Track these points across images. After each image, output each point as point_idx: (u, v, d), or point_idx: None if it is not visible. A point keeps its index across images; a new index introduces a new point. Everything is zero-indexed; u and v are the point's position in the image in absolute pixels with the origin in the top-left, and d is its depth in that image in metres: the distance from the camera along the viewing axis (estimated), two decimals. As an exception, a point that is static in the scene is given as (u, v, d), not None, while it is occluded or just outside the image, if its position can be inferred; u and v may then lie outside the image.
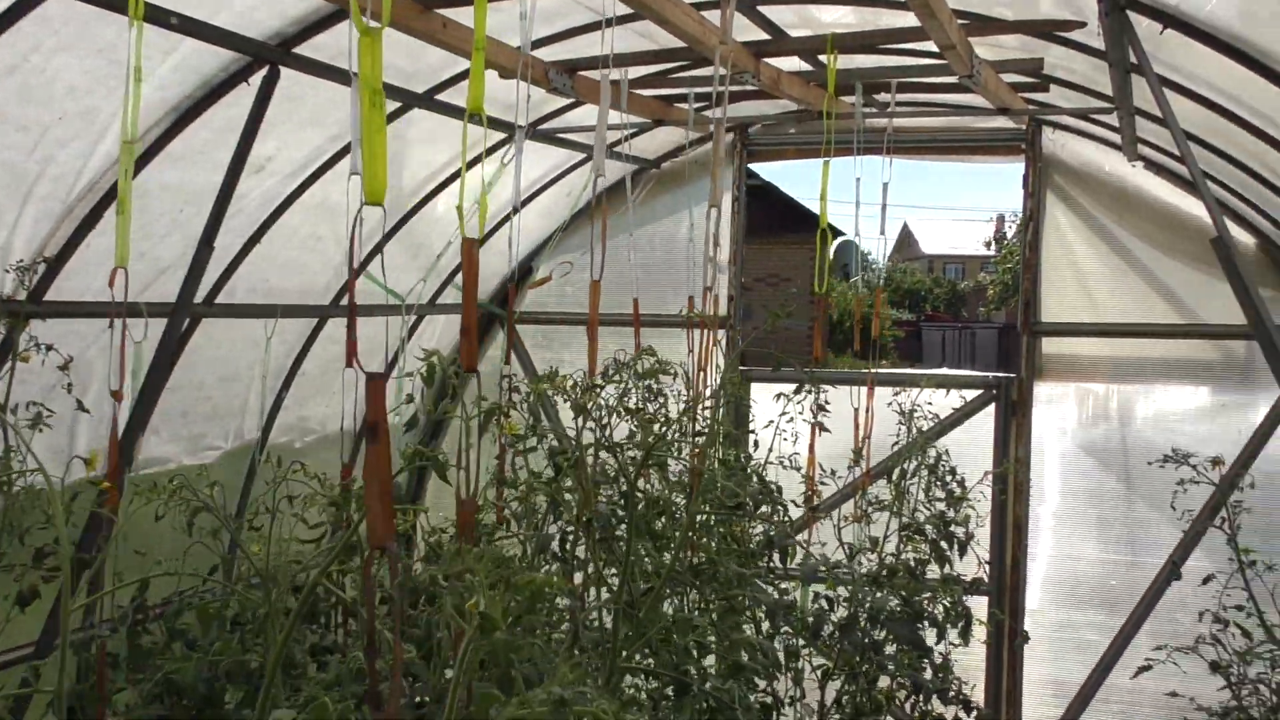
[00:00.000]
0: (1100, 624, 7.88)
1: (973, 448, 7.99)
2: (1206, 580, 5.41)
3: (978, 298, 45.36)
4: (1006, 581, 7.81)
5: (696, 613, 5.52)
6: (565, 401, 3.67)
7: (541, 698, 1.82)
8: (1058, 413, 8.17)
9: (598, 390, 3.58)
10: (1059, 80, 6.76)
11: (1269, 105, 5.31)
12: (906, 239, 62.58)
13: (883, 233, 6.46)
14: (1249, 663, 5.46)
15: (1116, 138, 7.09)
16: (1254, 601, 5.16)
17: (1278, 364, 3.87)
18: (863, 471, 6.50)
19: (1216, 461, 5.15)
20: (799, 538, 6.48)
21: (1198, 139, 6.31)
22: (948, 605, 6.26)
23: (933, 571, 6.22)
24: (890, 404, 6.42)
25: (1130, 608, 7.73)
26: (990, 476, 6.63)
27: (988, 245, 48.39)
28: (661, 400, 4.90)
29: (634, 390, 4.83)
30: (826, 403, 6.50)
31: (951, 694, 5.74)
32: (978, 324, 38.83)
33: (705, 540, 5.38)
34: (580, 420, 3.84)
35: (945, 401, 7.29)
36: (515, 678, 2.16)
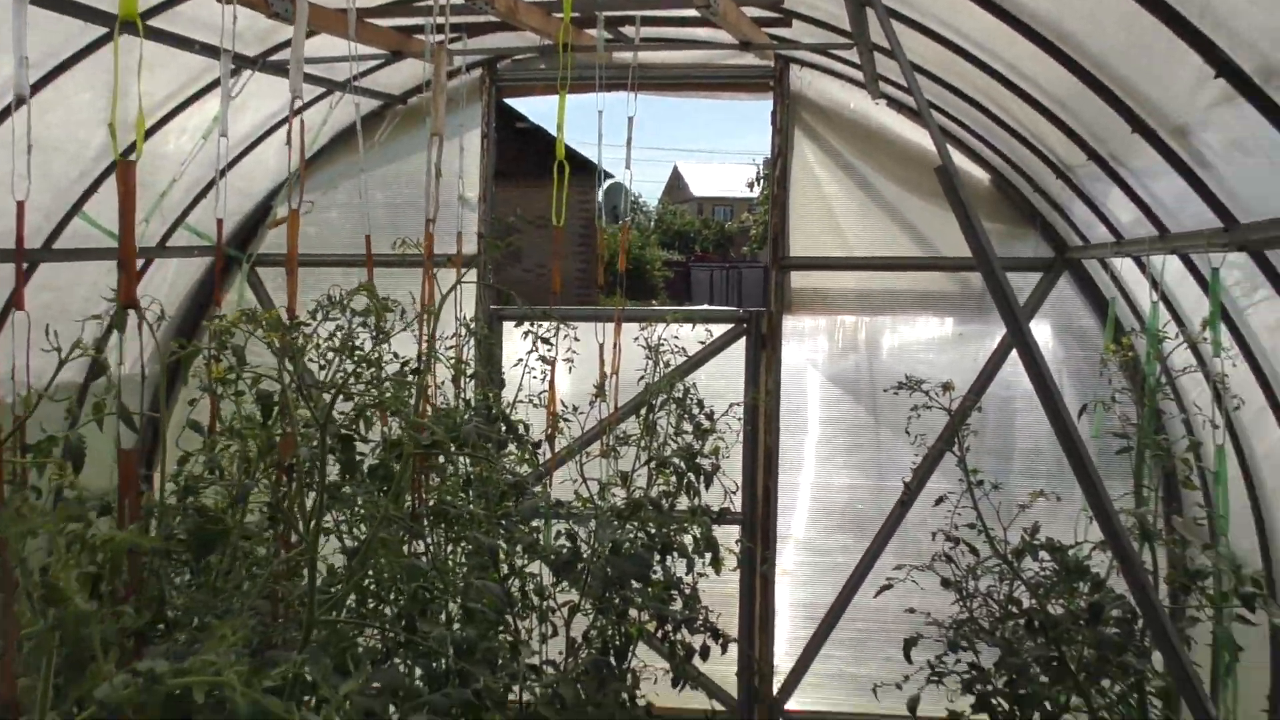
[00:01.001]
0: (849, 546, 8.14)
1: (724, 381, 8.07)
2: (939, 501, 5.60)
3: (744, 238, 46.29)
4: (758, 510, 7.96)
5: (449, 559, 5.43)
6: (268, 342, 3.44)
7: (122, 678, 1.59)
8: (809, 345, 8.33)
9: (302, 330, 3.36)
10: (802, 15, 6.80)
11: (997, 42, 5.46)
12: (676, 182, 63.25)
13: (628, 167, 6.39)
14: (979, 577, 5.70)
15: (860, 75, 7.20)
16: (981, 520, 5.36)
17: (998, 292, 3.95)
18: (611, 408, 6.47)
19: (947, 387, 5.30)
20: (556, 474, 6.48)
21: (933, 76, 6.46)
22: (697, 536, 6.32)
23: (684, 504, 6.28)
24: (637, 339, 6.40)
25: (875, 530, 8.00)
26: (739, 408, 6.71)
27: (750, 187, 49.35)
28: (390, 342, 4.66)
29: (360, 331, 4.64)
30: (576, 339, 6.44)
31: (699, 623, 5.80)
32: (744, 263, 39.64)
33: (445, 483, 5.24)
34: (290, 362, 3.64)
35: (694, 336, 7.31)
36: (95, 653, 1.88)
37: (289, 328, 3.23)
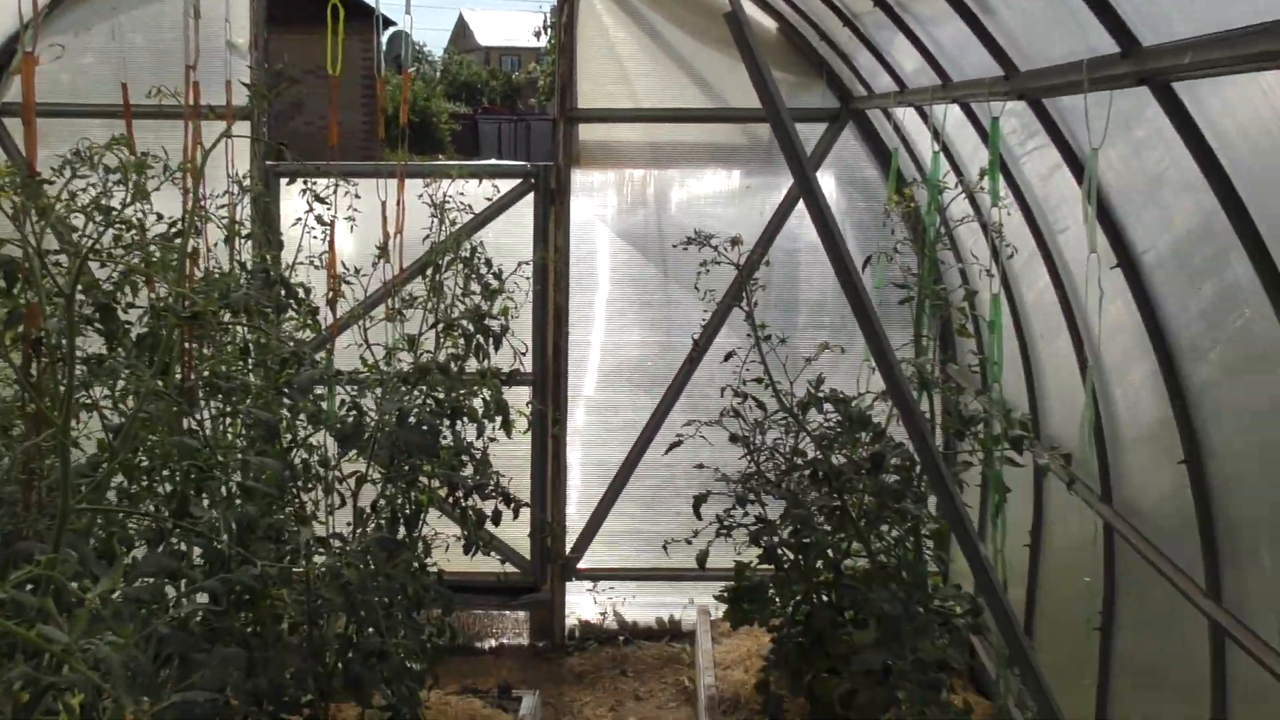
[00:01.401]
0: (640, 404, 8.15)
1: (512, 239, 7.88)
2: (728, 357, 5.61)
3: (532, 90, 45.43)
4: (549, 370, 7.87)
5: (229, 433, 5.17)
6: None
7: None
8: (598, 200, 8.18)
9: (44, 189, 3.03)
10: None
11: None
12: (462, 30, 61.45)
13: (408, 12, 6.04)
14: (766, 431, 5.77)
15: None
16: (769, 374, 5.40)
17: (786, 143, 3.89)
18: (396, 269, 6.23)
19: (735, 241, 5.26)
20: (340, 340, 6.23)
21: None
22: (487, 399, 6.19)
23: (474, 367, 6.14)
24: (421, 196, 6.14)
25: (665, 387, 8.03)
26: (528, 267, 6.55)
27: (537, 36, 48.29)
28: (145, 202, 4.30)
29: (117, 190, 4.27)
30: (358, 196, 6.15)
31: (491, 488, 5.72)
32: (532, 116, 38.97)
33: (221, 352, 4.97)
34: (36, 222, 3.31)
35: (482, 192, 7.06)
36: None
37: (27, 186, 2.90)
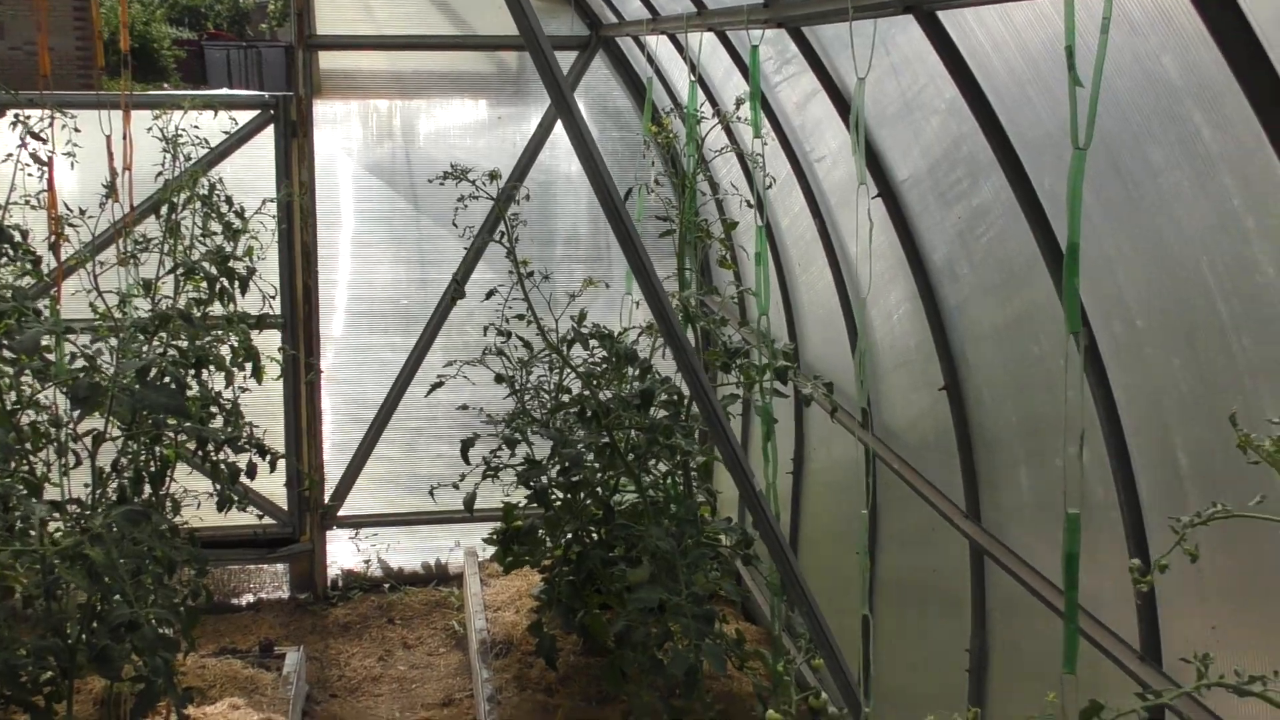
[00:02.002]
0: (396, 344, 7.89)
1: (254, 175, 7.45)
2: (489, 295, 5.45)
3: (261, 14, 43.36)
4: (300, 311, 7.52)
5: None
6: None
7: None
8: (343, 133, 7.82)
9: None
10: None
11: None
12: (182, -50, 58.00)
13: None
14: (530, 369, 5.65)
15: None
16: (532, 311, 5.27)
17: (546, 71, 3.73)
18: (126, 208, 5.77)
19: (494, 175, 5.08)
20: (66, 287, 5.74)
21: None
22: (235, 346, 5.86)
23: (219, 311, 5.79)
24: (150, 130, 5.69)
25: (423, 325, 7.80)
26: (273, 205, 6.20)
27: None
28: None
29: None
30: (77, 129, 5.66)
31: (244, 440, 5.41)
32: (263, 43, 37.13)
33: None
34: None
35: (218, 125, 6.62)
36: None
37: None
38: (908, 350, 4.67)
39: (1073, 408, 2.31)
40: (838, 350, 5.51)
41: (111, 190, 5.35)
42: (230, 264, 5.66)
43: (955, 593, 4.33)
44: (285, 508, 7.77)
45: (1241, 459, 2.52)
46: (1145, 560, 2.99)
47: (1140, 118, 2.42)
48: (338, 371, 7.89)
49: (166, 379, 4.85)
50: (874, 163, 4.16)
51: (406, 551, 8.06)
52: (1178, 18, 2.21)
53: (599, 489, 5.52)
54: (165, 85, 34.21)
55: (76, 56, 26.02)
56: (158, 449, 5.39)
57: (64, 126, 5.70)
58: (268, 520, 7.65)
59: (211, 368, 5.65)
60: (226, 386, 5.77)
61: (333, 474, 7.86)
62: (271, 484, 7.52)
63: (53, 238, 5.26)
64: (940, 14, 3.02)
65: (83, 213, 5.31)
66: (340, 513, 7.87)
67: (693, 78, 5.24)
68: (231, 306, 5.85)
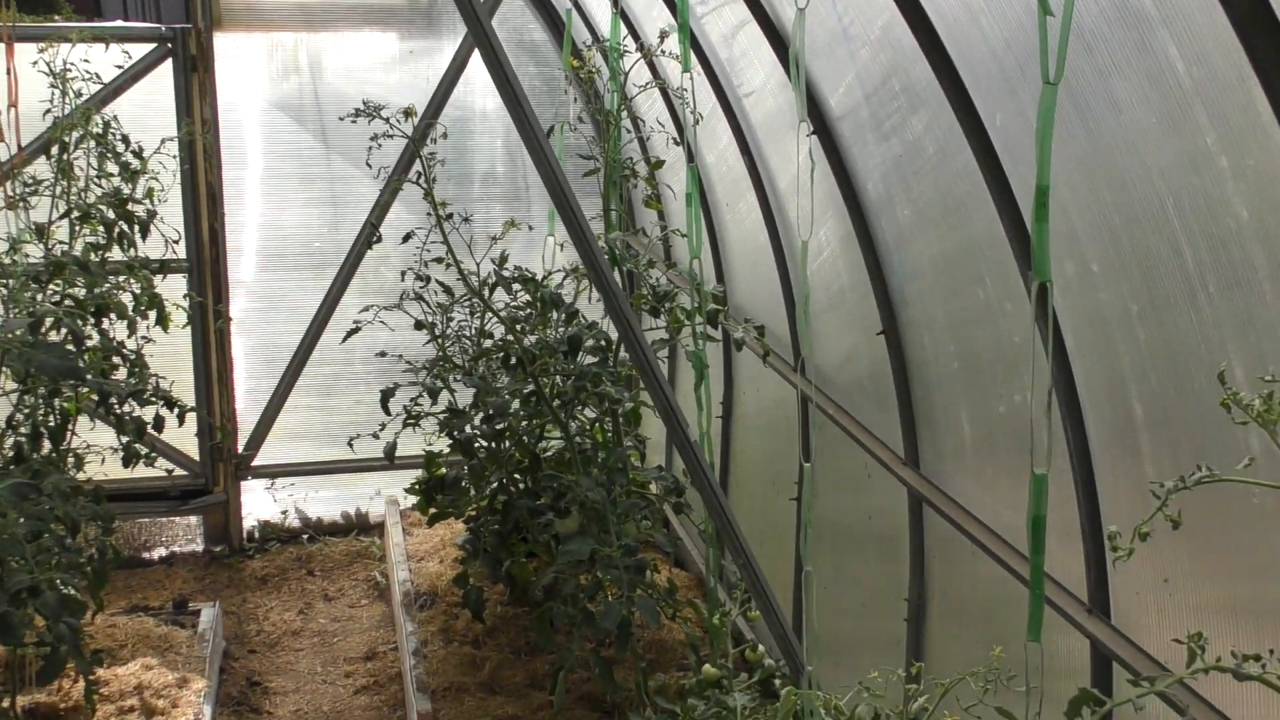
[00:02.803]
0: (308, 287, 7.60)
1: (154, 113, 7.08)
2: (406, 238, 5.22)
3: (159, -56, 41.84)
4: (206, 255, 7.20)
5: None
6: None
7: None
8: (247, 68, 7.46)
9: None
10: None
11: None
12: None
13: None
14: (452, 316, 5.45)
15: None
16: (452, 254, 5.06)
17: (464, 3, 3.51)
18: (13, 149, 5.44)
19: (409, 112, 4.84)
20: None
21: None
22: (137, 293, 5.58)
23: (119, 256, 5.50)
24: (37, 64, 5.34)
25: (336, 268, 7.53)
26: (174, 144, 5.88)
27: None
28: None
29: None
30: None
31: (149, 393, 5.16)
32: (162, -27, 35.84)
33: None
34: None
35: (111, 61, 6.23)
36: None
37: None
38: (841, 290, 4.55)
39: (1038, 363, 2.19)
40: (767, 289, 5.38)
41: (-6, 129, 5.01)
42: (129, 206, 5.36)
43: (893, 539, 4.26)
44: (197, 458, 7.49)
45: (1199, 408, 2.43)
46: (1095, 510, 2.91)
47: (1107, 50, 2.28)
48: (249, 317, 7.59)
49: (62, 331, 4.55)
50: (810, 96, 4.00)
51: (325, 501, 7.84)
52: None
53: (525, 437, 5.36)
54: (56, 17, 32.95)
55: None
56: (57, 402, 5.11)
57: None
58: (179, 472, 7.38)
59: (113, 317, 5.37)
60: (130, 336, 5.50)
61: (246, 423, 7.58)
62: (182, 435, 7.23)
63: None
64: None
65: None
66: (255, 462, 7.61)
67: (615, 10, 5.02)
68: (132, 251, 5.56)
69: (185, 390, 7.31)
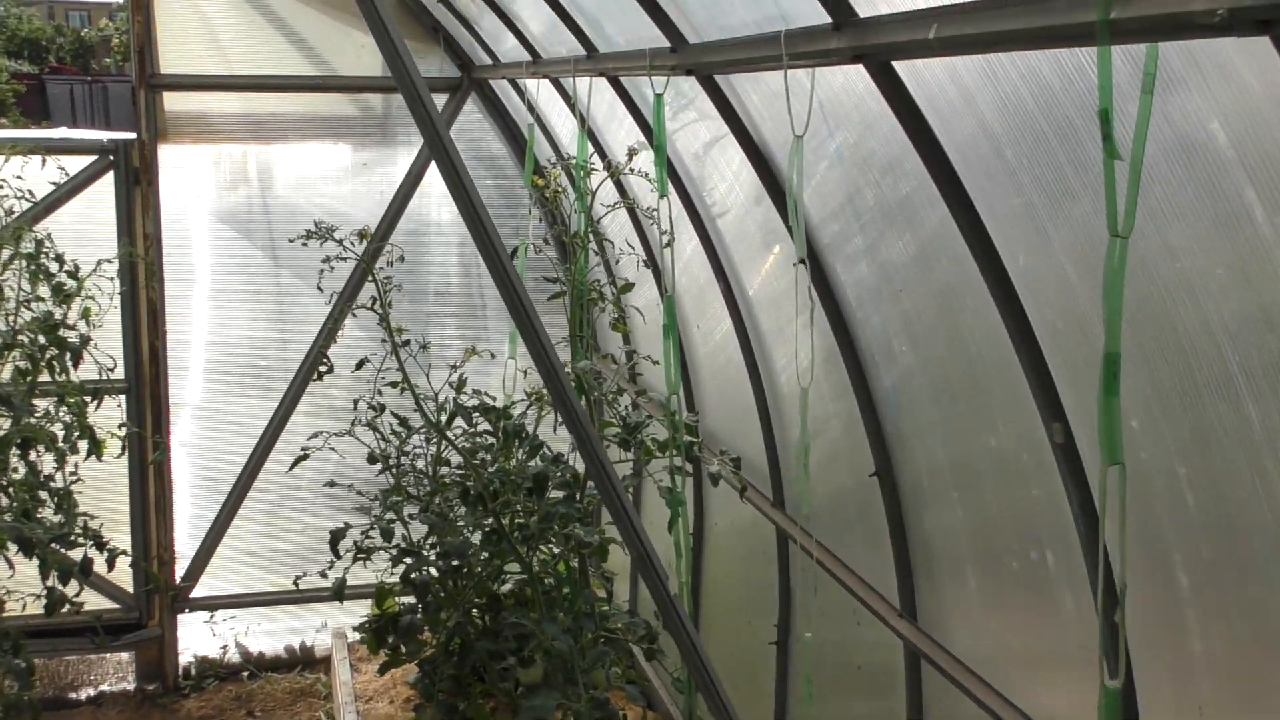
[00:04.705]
0: (255, 409, 7.24)
1: (95, 226, 6.76)
2: (360, 365, 4.89)
3: (107, 48, 41.83)
4: (146, 374, 6.83)
5: None
6: None
7: None
8: (193, 180, 7.16)
9: None
10: None
11: None
12: (22, -19, 55.91)
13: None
14: (407, 441, 5.11)
15: None
16: (408, 381, 4.74)
17: (421, 113, 3.25)
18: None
19: (364, 234, 4.55)
20: None
21: None
22: (68, 423, 5.22)
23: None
24: (-34, 180, 5.04)
25: (284, 389, 7.18)
26: (110, 263, 5.56)
27: (108, -12, 44.50)
28: None
29: None
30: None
31: (76, 534, 4.77)
32: (111, 78, 35.67)
33: None
34: None
35: (48, 175, 5.91)
36: None
37: None
38: (826, 419, 4.27)
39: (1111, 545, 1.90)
40: (740, 410, 5.09)
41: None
42: (61, 332, 5.02)
43: (885, 689, 3.93)
44: (130, 591, 7.04)
45: (1266, 586, 2.15)
46: (1131, 690, 2.61)
47: (1165, 189, 2.03)
48: (191, 439, 7.21)
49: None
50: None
51: (268, 635, 7.37)
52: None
53: (484, 573, 4.99)
54: (3, 121, 32.57)
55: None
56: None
57: None
58: (111, 605, 6.93)
59: (40, 449, 5.01)
60: (59, 466, 5.13)
61: (185, 551, 7.16)
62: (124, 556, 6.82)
63: None
64: (897, 66, 2.62)
65: None
66: (193, 594, 7.17)
67: (582, 128, 4.80)
68: (64, 376, 5.21)
69: (120, 517, 6.91)
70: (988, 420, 3.09)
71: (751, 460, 4.89)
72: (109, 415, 5.93)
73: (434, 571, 5.03)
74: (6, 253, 5.12)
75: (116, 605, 6.96)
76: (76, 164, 6.63)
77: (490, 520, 4.70)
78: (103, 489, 6.82)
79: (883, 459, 3.67)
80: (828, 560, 4.11)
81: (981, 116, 2.52)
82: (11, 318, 5.12)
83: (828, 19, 2.65)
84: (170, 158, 6.98)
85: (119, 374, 6.67)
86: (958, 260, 2.84)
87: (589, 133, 5.31)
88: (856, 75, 2.82)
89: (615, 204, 4.87)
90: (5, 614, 5.06)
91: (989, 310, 2.74)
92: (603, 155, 5.54)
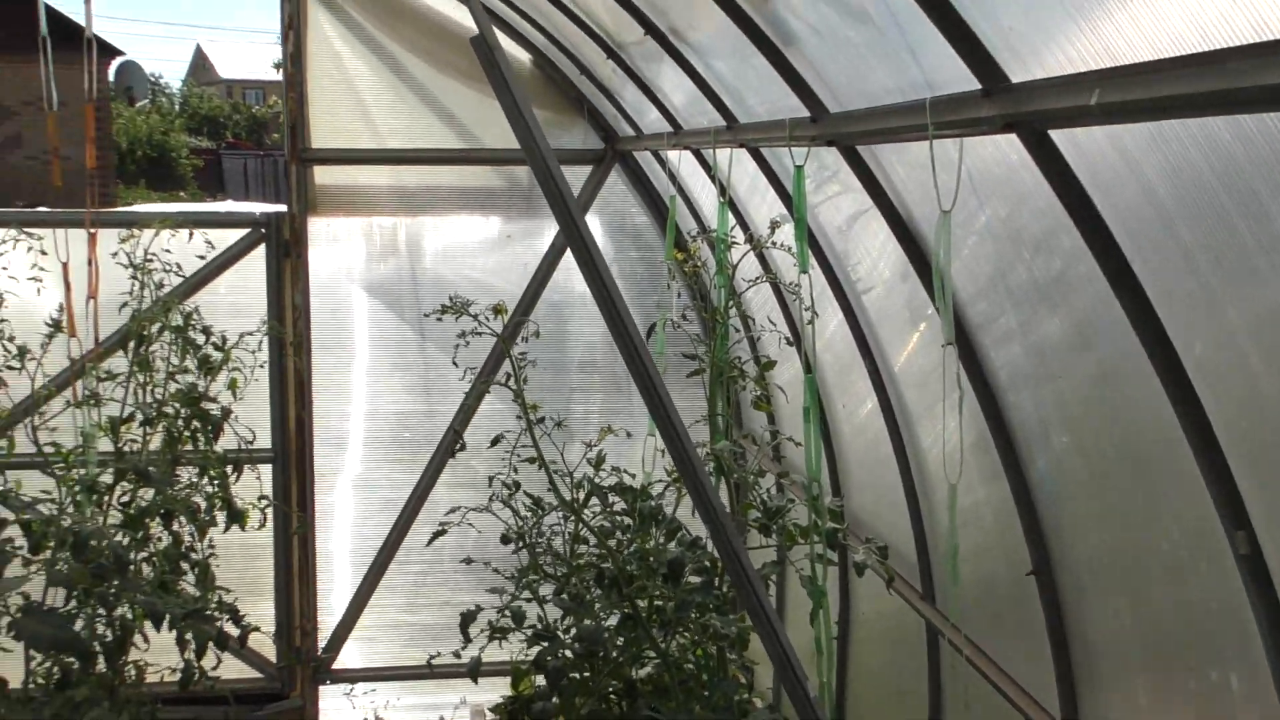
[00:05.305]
0: (399, 481, 7.24)
1: (247, 296, 6.89)
2: (495, 441, 4.80)
3: (277, 124, 43.65)
4: (292, 445, 6.89)
5: None
6: None
7: None
8: (343, 252, 7.25)
9: None
10: None
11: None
12: (201, 62, 59.01)
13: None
14: (542, 531, 4.99)
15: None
16: (542, 459, 4.62)
17: (549, 184, 3.16)
18: (91, 341, 5.21)
19: (498, 310, 4.46)
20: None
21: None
22: (211, 493, 5.24)
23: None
24: (115, 254, 5.13)
25: (427, 460, 7.16)
26: (253, 336, 5.59)
27: (277, 69, 46.50)
28: None
29: None
30: (43, 252, 5.17)
31: (211, 609, 4.75)
32: (280, 151, 37.14)
33: None
34: None
35: (193, 249, 5.99)
36: None
37: None
38: (976, 507, 4.00)
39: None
40: (888, 494, 4.84)
41: (58, 326, 4.78)
42: (203, 404, 5.05)
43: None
44: (273, 659, 7.06)
45: None
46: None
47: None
48: (334, 509, 7.23)
49: (107, 552, 4.16)
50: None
51: (408, 709, 7.28)
52: None
53: (620, 658, 4.82)
54: (182, 194, 34.17)
55: (96, 167, 25.94)
56: (117, 613, 4.73)
57: (30, 249, 5.22)
58: (252, 673, 6.95)
59: (182, 519, 5.03)
60: (201, 537, 5.15)
61: (326, 621, 7.16)
62: (260, 632, 6.86)
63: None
64: (1054, 134, 2.40)
65: (22, 354, 4.70)
66: (335, 666, 7.16)
67: (723, 200, 4.65)
68: (208, 447, 5.24)
69: (265, 586, 6.95)
70: (1157, 518, 2.80)
71: (898, 547, 4.63)
72: (254, 484, 5.96)
73: (569, 654, 4.88)
74: (156, 326, 5.19)
75: (259, 674, 6.98)
76: (231, 236, 6.78)
77: (626, 605, 4.54)
78: (249, 556, 6.89)
79: (1040, 553, 3.39)
80: (981, 661, 3.82)
81: (1149, 186, 2.28)
82: (159, 390, 5.18)
83: (976, 85, 2.45)
84: (320, 230, 7.08)
85: (266, 444, 6.76)
86: (1120, 343, 2.59)
87: (731, 205, 5.17)
88: (1007, 144, 2.61)
89: (757, 279, 4.70)
90: (146, 681, 5.06)
91: (1158, 399, 2.48)
92: (745, 228, 5.39)
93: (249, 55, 56.43)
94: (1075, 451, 3.23)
